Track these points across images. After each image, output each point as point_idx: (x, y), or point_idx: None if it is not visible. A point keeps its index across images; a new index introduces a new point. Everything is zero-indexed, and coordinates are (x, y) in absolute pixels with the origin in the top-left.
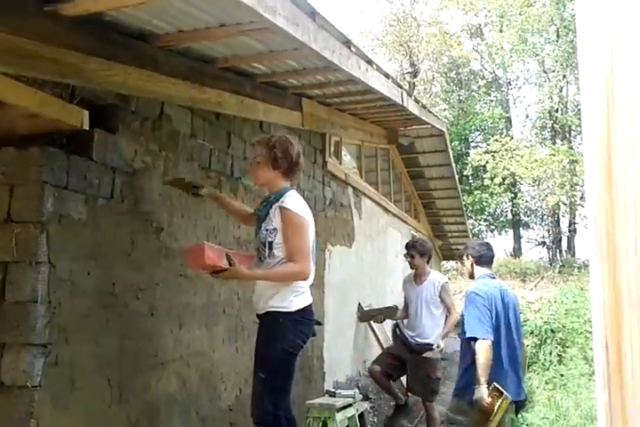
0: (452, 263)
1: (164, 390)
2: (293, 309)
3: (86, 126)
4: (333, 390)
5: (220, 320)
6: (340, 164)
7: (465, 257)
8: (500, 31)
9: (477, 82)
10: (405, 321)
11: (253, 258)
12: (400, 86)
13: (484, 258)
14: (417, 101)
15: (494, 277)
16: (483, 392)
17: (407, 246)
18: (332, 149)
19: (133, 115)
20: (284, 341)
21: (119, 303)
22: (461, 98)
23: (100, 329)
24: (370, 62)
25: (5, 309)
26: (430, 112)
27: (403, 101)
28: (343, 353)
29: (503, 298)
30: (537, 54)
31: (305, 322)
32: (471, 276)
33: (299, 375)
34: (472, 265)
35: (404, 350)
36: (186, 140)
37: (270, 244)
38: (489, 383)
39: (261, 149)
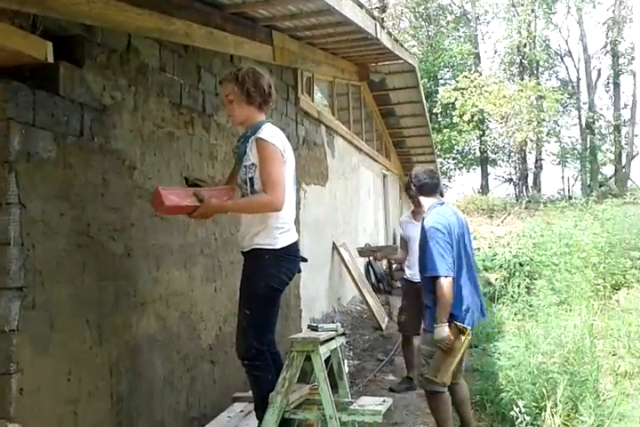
0: None
1: (144, 331)
2: (278, 246)
3: (51, 59)
4: (315, 324)
5: (198, 260)
6: (313, 101)
7: (411, 184)
8: None
9: (446, 17)
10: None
11: (231, 191)
12: (374, 17)
13: (427, 187)
14: (390, 34)
15: (442, 203)
16: (444, 331)
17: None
18: (304, 85)
19: (100, 47)
20: (270, 277)
21: (95, 244)
22: (430, 34)
23: (76, 271)
24: None
25: None
26: (402, 46)
27: (376, 33)
28: (319, 290)
29: (459, 222)
30: None
31: (290, 259)
32: (416, 204)
33: None
34: (416, 195)
35: (412, 295)
36: (155, 74)
37: (251, 180)
38: (450, 319)
39: (231, 85)
